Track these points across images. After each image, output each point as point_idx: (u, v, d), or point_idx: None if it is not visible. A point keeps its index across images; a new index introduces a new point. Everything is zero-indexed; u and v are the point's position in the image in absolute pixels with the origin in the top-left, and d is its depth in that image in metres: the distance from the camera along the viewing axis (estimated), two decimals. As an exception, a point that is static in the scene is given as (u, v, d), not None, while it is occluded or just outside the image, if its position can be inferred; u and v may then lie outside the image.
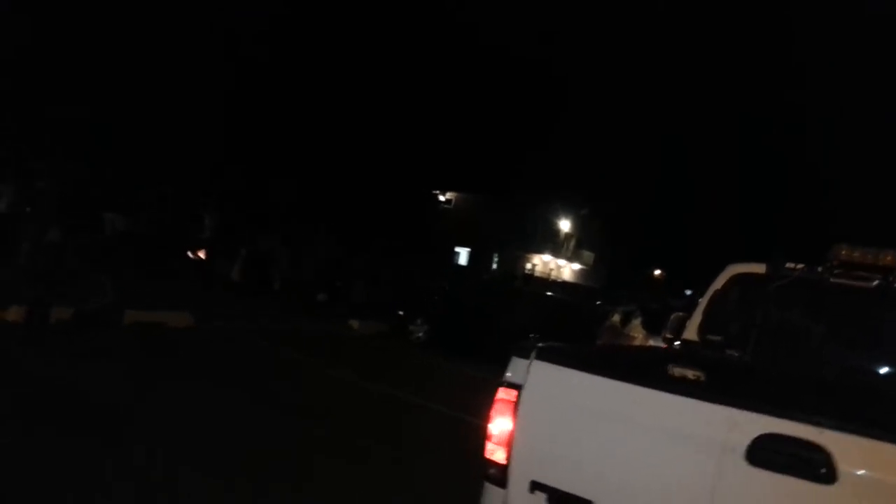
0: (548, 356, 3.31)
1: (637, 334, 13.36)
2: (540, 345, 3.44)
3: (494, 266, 38.98)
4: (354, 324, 13.93)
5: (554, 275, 40.47)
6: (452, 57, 35.88)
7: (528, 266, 40.38)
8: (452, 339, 12.89)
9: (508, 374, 3.34)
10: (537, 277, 33.56)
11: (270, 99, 26.94)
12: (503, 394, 3.31)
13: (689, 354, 4.64)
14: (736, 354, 4.85)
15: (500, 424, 3.32)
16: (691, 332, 5.16)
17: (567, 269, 43.96)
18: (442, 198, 41.58)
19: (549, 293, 15.33)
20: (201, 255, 15.88)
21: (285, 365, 9.55)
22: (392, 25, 30.57)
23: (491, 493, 3.34)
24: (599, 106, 43.15)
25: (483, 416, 3.50)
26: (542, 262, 42.21)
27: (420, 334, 13.54)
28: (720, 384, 3.70)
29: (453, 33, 34.57)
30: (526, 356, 3.32)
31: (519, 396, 3.27)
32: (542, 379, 3.26)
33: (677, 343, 5.23)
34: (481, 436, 3.43)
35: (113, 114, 22.59)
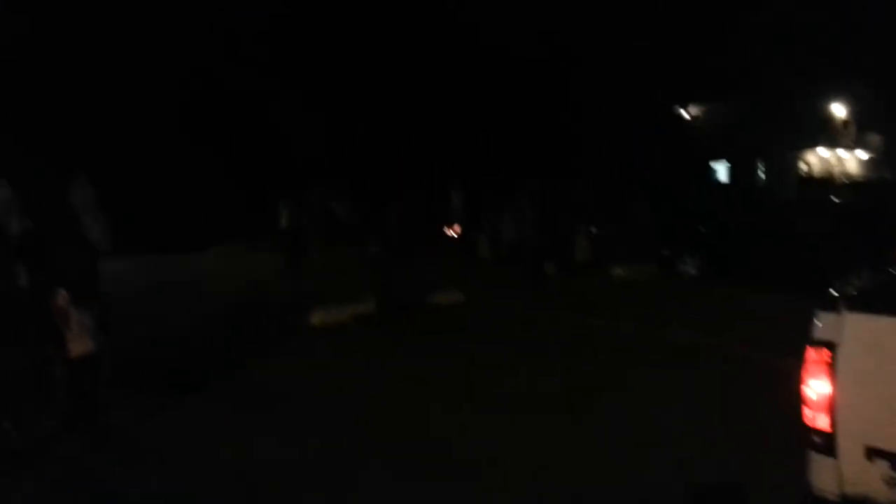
0: (863, 306, 2.86)
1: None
2: (851, 293, 2.99)
3: (762, 175, 35.37)
4: (618, 271, 13.55)
5: (836, 170, 35.54)
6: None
7: (803, 167, 35.96)
8: (730, 269, 11.96)
9: (816, 332, 2.95)
10: (816, 178, 29.71)
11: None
12: (813, 354, 2.95)
13: None
14: None
15: (816, 388, 2.97)
16: None
17: (851, 161, 38.34)
18: (685, 115, 38.63)
19: (833, 198, 13.44)
20: (456, 231, 16.63)
21: (585, 331, 9.31)
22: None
23: (819, 463, 3.01)
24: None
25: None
26: (819, 159, 37.29)
27: (692, 270, 12.78)
28: None
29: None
30: (835, 309, 2.90)
31: (834, 356, 2.88)
32: (860, 334, 2.83)
33: None
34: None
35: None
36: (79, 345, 5.17)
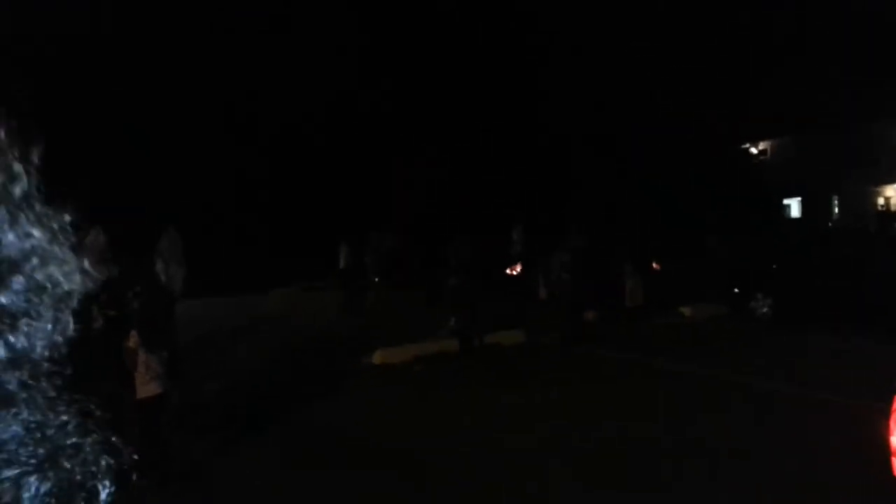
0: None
1: None
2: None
3: (836, 211, 33.97)
4: (686, 311, 13.09)
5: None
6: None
7: (881, 201, 34.35)
8: (805, 309, 11.35)
9: (904, 380, 2.75)
10: (895, 213, 28.25)
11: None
12: (902, 404, 2.73)
13: None
14: None
15: (905, 439, 2.74)
16: None
17: (934, 195, 36.38)
18: (754, 150, 37.60)
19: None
20: (517, 270, 16.44)
21: (647, 376, 9.02)
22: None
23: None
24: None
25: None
26: (898, 194, 35.54)
27: (764, 310, 12.22)
28: None
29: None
30: (923, 355, 2.69)
31: (925, 405, 2.66)
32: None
33: None
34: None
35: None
36: (146, 387, 5.30)
